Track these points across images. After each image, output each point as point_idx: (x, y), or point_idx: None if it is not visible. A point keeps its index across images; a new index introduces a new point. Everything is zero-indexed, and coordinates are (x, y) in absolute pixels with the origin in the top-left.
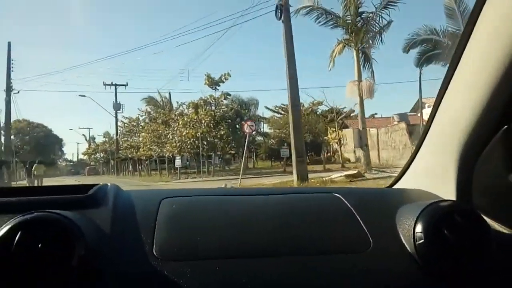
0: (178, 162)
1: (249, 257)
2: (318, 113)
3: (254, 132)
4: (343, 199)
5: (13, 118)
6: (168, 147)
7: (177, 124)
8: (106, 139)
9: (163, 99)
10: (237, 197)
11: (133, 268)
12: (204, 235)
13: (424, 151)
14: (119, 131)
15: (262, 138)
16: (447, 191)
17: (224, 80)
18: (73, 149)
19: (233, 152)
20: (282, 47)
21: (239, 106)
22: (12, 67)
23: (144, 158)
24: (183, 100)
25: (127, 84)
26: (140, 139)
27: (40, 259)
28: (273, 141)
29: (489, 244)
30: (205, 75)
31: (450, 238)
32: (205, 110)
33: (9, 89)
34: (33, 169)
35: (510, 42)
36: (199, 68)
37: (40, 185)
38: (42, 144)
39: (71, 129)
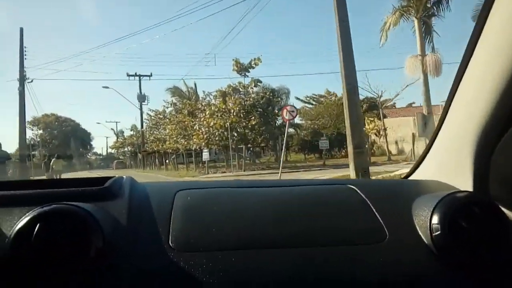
0: (205, 156)
1: (263, 248)
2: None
3: (294, 119)
4: (358, 191)
5: (31, 109)
6: (195, 140)
7: (204, 114)
8: (133, 133)
9: (189, 89)
10: (251, 189)
11: (149, 259)
12: (219, 226)
13: (440, 142)
14: (145, 124)
15: (293, 130)
16: (464, 182)
17: (254, 65)
18: (103, 143)
19: (263, 144)
20: (333, 13)
21: (270, 95)
22: (25, 55)
23: (170, 151)
24: (210, 88)
25: (151, 75)
26: (166, 131)
27: (58, 250)
28: (305, 132)
29: (507, 235)
30: (233, 60)
31: (467, 229)
32: (234, 98)
33: (22, 79)
34: (51, 163)
35: None
36: (225, 53)
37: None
38: (71, 138)
39: (98, 123)
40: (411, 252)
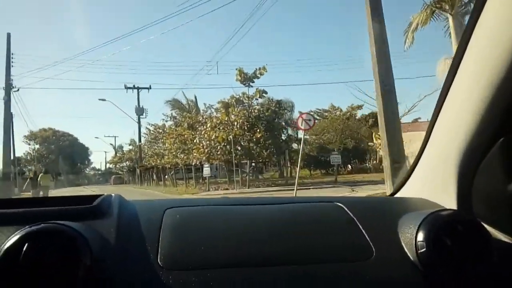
0: (206, 171)
1: (252, 266)
2: (357, 117)
3: (308, 130)
4: (345, 208)
5: (18, 122)
6: (195, 154)
7: (205, 127)
8: (132, 147)
9: (189, 102)
10: (239, 206)
11: (138, 278)
12: (208, 244)
13: (425, 160)
14: (144, 139)
15: (297, 144)
16: (448, 200)
17: (259, 75)
18: (102, 157)
19: (266, 159)
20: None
21: (276, 106)
22: (12, 62)
23: (169, 166)
24: (212, 100)
25: (150, 87)
26: (166, 145)
27: (46, 269)
28: (310, 147)
29: (490, 252)
30: (236, 69)
31: (452, 246)
32: (237, 110)
33: (8, 87)
34: (38, 179)
35: (505, 54)
36: (226, 62)
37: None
38: (68, 153)
39: (96, 138)
40: (398, 269)
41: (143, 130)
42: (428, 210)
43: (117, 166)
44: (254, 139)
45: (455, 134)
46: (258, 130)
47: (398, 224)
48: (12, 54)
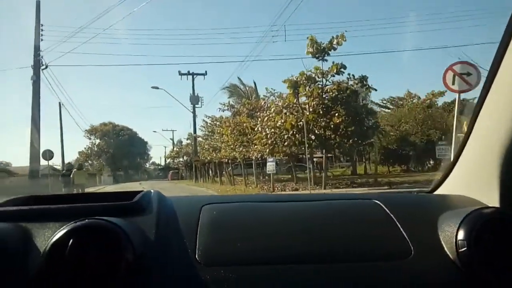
0: (271, 167)
1: (288, 264)
2: (438, 105)
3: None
4: (383, 206)
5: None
6: (256, 145)
7: (268, 112)
8: (190, 141)
9: (247, 88)
10: (276, 203)
11: (177, 273)
12: (244, 241)
13: (466, 156)
14: (201, 132)
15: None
16: (491, 198)
17: (336, 45)
18: (162, 152)
19: (346, 150)
20: None
21: (358, 84)
22: (41, 35)
23: (226, 161)
24: (275, 81)
25: (206, 73)
26: (223, 137)
27: (91, 264)
28: (388, 139)
29: None
30: (307, 39)
31: (494, 246)
32: (308, 89)
33: (38, 65)
34: (72, 176)
35: None
36: (293, 28)
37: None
38: (128, 148)
39: (154, 132)
40: (437, 269)
41: (200, 122)
42: (470, 207)
43: (175, 161)
44: (332, 126)
45: (498, 130)
46: (336, 115)
47: (437, 222)
48: (42, 25)
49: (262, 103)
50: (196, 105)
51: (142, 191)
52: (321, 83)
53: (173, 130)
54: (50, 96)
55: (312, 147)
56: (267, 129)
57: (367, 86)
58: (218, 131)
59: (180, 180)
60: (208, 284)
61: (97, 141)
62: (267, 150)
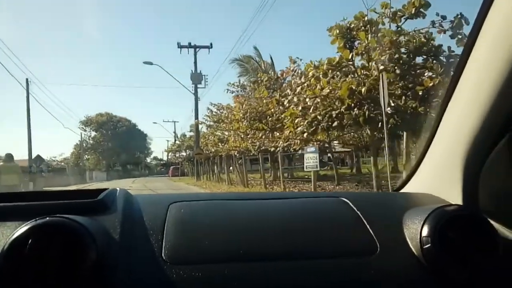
0: (311, 160)
1: (255, 261)
2: None
3: None
4: (350, 203)
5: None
6: (283, 130)
7: (302, 79)
8: (193, 133)
9: (263, 61)
10: (243, 201)
11: (142, 272)
12: (211, 239)
13: (431, 155)
14: (206, 122)
15: None
16: (454, 196)
17: None
18: (164, 146)
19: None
20: None
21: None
22: None
23: (236, 154)
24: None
25: (211, 46)
26: (232, 124)
27: (52, 263)
28: None
29: (496, 248)
30: None
31: (457, 242)
32: (373, 36)
33: None
34: None
35: (511, 52)
36: None
37: None
38: (126, 141)
39: (155, 123)
40: (402, 265)
41: (203, 112)
42: (434, 205)
43: (176, 155)
44: (418, 93)
45: (461, 129)
46: (427, 75)
47: (403, 219)
48: None
49: (292, 68)
50: (199, 85)
51: (107, 189)
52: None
53: (174, 121)
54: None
55: (394, 125)
56: (307, 100)
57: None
58: (227, 115)
59: (181, 178)
60: (174, 282)
61: (93, 133)
62: (306, 133)
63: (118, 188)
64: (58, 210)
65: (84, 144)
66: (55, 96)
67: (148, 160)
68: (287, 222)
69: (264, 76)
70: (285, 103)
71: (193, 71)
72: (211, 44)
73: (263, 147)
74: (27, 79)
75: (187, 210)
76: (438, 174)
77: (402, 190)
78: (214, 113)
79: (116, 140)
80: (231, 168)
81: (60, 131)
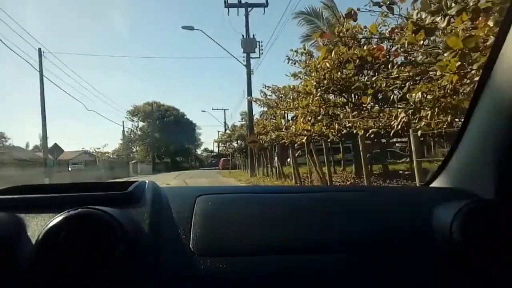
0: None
1: (282, 254)
2: None
3: None
4: (376, 198)
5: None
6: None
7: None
8: (245, 122)
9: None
10: (269, 194)
11: (170, 263)
12: (238, 231)
13: (462, 149)
14: (260, 106)
15: None
16: (486, 190)
17: None
18: (215, 136)
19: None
20: None
21: None
22: None
23: (305, 141)
24: None
25: (267, 4)
26: (297, 101)
27: (83, 253)
28: None
29: None
30: None
31: (488, 238)
32: None
33: None
34: None
35: None
36: None
37: None
38: (175, 131)
39: (203, 111)
40: (431, 261)
41: (256, 94)
42: (464, 200)
43: (227, 146)
44: None
45: (494, 122)
46: None
47: (432, 214)
48: None
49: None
50: (252, 54)
51: (137, 181)
52: None
53: (224, 109)
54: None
55: None
56: None
57: None
58: (293, 87)
59: (232, 171)
60: (202, 273)
61: (140, 123)
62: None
63: (147, 181)
64: (89, 202)
65: (132, 135)
66: (83, 79)
67: (199, 151)
68: (313, 216)
69: (339, 27)
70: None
71: (245, 37)
72: (266, 1)
73: (345, 131)
74: (39, 49)
75: (214, 203)
76: (469, 169)
77: (432, 184)
78: (268, 96)
79: (164, 131)
80: (288, 160)
81: (101, 121)
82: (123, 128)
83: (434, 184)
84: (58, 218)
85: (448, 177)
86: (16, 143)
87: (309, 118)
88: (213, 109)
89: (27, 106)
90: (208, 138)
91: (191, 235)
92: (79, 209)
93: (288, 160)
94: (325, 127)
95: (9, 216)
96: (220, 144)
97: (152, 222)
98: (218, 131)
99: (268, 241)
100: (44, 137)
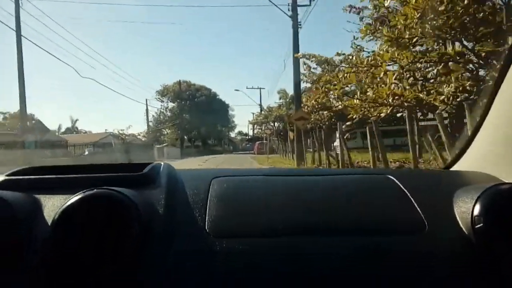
0: None
1: (297, 235)
2: None
3: None
4: (397, 181)
5: None
6: None
7: None
8: (283, 101)
9: None
10: (286, 177)
11: (186, 245)
12: (253, 213)
13: (484, 132)
14: (306, 71)
15: None
16: (508, 174)
17: None
18: (249, 118)
19: None
20: None
21: None
22: None
23: (382, 115)
24: None
25: None
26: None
27: (99, 234)
28: None
29: None
30: None
31: (511, 222)
32: None
33: None
34: None
35: None
36: None
37: None
38: (206, 112)
39: (237, 90)
40: (451, 244)
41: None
42: (487, 183)
43: (263, 127)
44: None
45: None
46: None
47: (453, 198)
48: None
49: None
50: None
51: (152, 163)
52: None
53: (260, 88)
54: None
55: None
56: None
57: None
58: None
59: (270, 156)
60: (217, 255)
61: (170, 104)
62: None
63: (162, 163)
64: (105, 183)
65: (162, 117)
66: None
67: (232, 134)
68: (330, 198)
69: None
70: None
71: None
72: None
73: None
74: None
75: (229, 185)
76: (490, 152)
77: (453, 168)
78: (312, 69)
79: (195, 112)
80: (334, 144)
81: (123, 101)
82: (147, 107)
83: (455, 167)
84: (74, 199)
85: (469, 160)
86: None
87: (404, 76)
88: (247, 88)
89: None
90: (242, 120)
91: (206, 216)
92: (95, 190)
93: (335, 144)
94: (424, 92)
95: (25, 197)
96: (256, 126)
97: (167, 204)
98: (253, 113)
99: (283, 223)
100: (23, 112)
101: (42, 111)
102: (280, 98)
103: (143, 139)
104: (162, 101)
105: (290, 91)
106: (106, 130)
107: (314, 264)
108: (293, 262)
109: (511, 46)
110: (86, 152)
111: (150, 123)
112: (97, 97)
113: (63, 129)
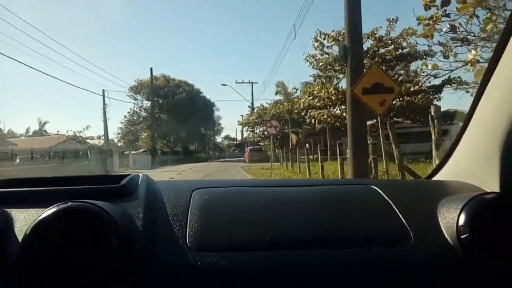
0: None
1: (280, 249)
2: None
3: None
4: (380, 192)
5: None
6: None
7: None
8: (281, 97)
9: None
10: (268, 188)
11: (165, 259)
12: (235, 226)
13: (466, 141)
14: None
15: None
16: (491, 183)
17: None
18: (237, 118)
19: None
20: None
21: None
22: None
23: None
24: None
25: None
26: None
27: (74, 247)
28: None
29: None
30: None
31: (496, 232)
32: None
33: None
34: None
35: None
36: None
37: None
38: (187, 111)
39: (224, 85)
40: (437, 254)
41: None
42: (469, 193)
43: (255, 131)
44: None
45: (498, 115)
46: None
47: (437, 208)
48: None
49: None
50: None
51: (129, 174)
52: None
53: (251, 82)
54: None
55: None
56: None
57: None
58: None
59: (267, 165)
60: (198, 269)
61: (145, 102)
62: None
63: (140, 174)
64: (81, 196)
65: (135, 117)
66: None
67: (219, 139)
68: (314, 210)
69: None
70: None
71: None
72: None
73: None
74: None
75: (211, 197)
76: (473, 161)
77: (434, 178)
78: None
79: (174, 112)
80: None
81: (81, 101)
82: (103, 101)
83: (437, 177)
84: (47, 212)
85: (451, 170)
86: None
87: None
88: (236, 82)
89: None
90: (230, 123)
91: (187, 229)
92: (69, 203)
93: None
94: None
95: None
96: (246, 127)
97: (146, 217)
98: (241, 115)
99: (266, 236)
100: None
101: (10, 115)
102: (277, 93)
103: (99, 144)
104: (135, 99)
105: (293, 83)
106: (58, 131)
107: (297, 279)
108: (276, 277)
109: (491, 60)
110: (18, 161)
111: (121, 125)
112: (65, 96)
113: (30, 133)
